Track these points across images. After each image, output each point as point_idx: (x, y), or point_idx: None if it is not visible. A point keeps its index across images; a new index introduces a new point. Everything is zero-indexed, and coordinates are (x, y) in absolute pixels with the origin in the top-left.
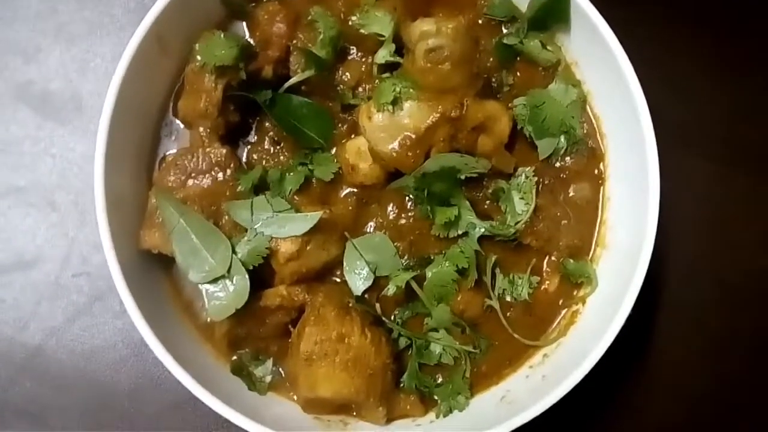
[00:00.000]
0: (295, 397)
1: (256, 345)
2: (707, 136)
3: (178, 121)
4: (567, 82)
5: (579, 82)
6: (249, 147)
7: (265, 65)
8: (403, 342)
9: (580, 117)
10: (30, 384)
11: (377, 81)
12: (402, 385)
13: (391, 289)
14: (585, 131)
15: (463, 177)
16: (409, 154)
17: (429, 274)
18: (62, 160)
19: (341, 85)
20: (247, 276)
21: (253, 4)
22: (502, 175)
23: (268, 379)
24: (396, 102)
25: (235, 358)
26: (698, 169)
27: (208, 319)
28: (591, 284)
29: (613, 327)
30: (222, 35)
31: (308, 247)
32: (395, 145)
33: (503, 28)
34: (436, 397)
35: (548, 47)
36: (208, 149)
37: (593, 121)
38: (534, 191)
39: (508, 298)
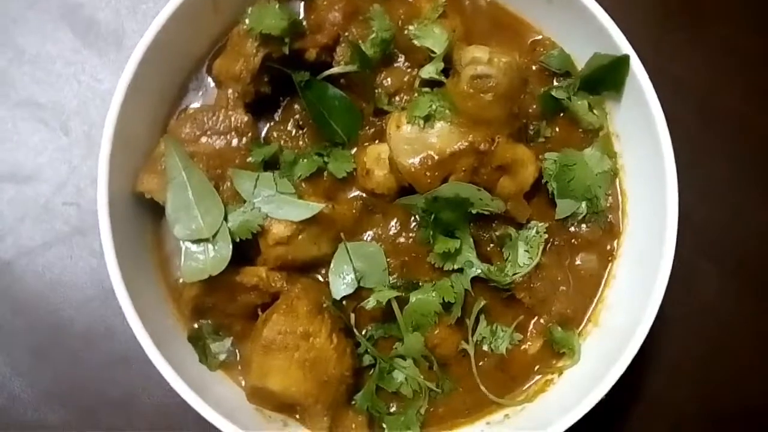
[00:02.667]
0: (243, 383)
1: (220, 320)
2: (728, 251)
3: (209, 79)
4: (604, 151)
5: (615, 154)
6: (271, 124)
7: (310, 47)
8: (367, 360)
9: (607, 189)
10: None
11: (416, 93)
12: (354, 403)
13: (371, 303)
14: (609, 204)
15: (473, 212)
16: (428, 173)
17: (413, 299)
18: (87, 89)
19: (379, 89)
20: (231, 246)
21: None
22: (512, 223)
23: (222, 357)
24: (429, 118)
25: (195, 326)
26: (709, 280)
27: (180, 280)
28: (572, 358)
29: (583, 406)
30: (277, 6)
31: (300, 236)
32: (416, 160)
33: (555, 81)
34: (384, 425)
35: (595, 111)
36: (230, 112)
37: (619, 196)
38: (541, 248)
39: (485, 348)
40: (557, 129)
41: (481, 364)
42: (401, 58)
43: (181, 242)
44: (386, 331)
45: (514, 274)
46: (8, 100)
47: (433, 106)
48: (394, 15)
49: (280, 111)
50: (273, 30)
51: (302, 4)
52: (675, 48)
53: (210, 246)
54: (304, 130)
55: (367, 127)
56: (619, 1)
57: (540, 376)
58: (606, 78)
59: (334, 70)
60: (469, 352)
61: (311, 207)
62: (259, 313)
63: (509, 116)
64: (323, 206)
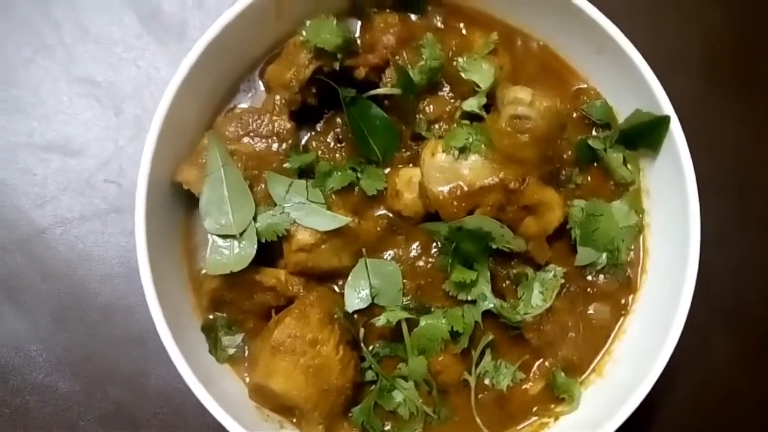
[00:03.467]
0: (247, 379)
1: (235, 315)
2: (744, 323)
3: (260, 83)
4: (632, 206)
5: (644, 211)
6: (312, 134)
7: (360, 66)
8: (369, 375)
9: (630, 244)
10: (21, 259)
11: (455, 124)
12: (350, 415)
13: (381, 321)
14: (629, 259)
15: (494, 247)
16: (455, 203)
17: (422, 323)
18: (144, 75)
19: (420, 115)
20: (256, 245)
21: (376, 10)
22: (531, 264)
23: (231, 351)
24: (464, 150)
25: (210, 317)
26: (721, 349)
27: (203, 271)
28: (571, 405)
29: None
30: (334, 22)
31: (323, 246)
32: (445, 188)
33: (593, 131)
34: None
35: (629, 165)
36: (275, 117)
37: (641, 253)
38: (556, 292)
39: (487, 381)
40: (589, 178)
41: (480, 396)
42: (446, 88)
43: (209, 235)
44: (392, 351)
45: (526, 314)
46: (68, 75)
47: (470, 139)
48: (447, 45)
49: (322, 122)
50: (327, 45)
51: (359, 23)
52: (719, 113)
53: (236, 243)
54: (342, 144)
55: (403, 150)
56: (668, 58)
57: (536, 417)
58: (644, 135)
59: (380, 90)
60: (470, 384)
61: (338, 219)
62: (273, 314)
63: (543, 159)
64: (349, 220)
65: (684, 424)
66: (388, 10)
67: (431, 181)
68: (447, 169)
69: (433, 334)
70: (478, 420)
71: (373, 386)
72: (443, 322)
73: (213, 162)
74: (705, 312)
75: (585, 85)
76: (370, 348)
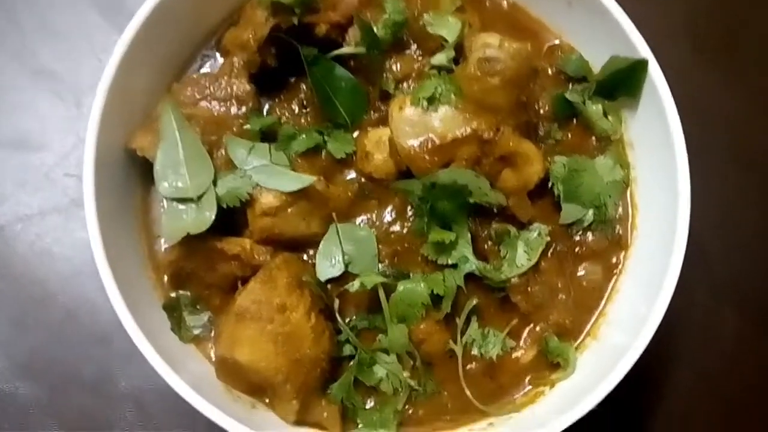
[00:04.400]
0: (213, 356)
1: (199, 291)
2: (738, 289)
3: (219, 55)
4: (616, 160)
5: (629, 165)
6: (275, 102)
7: (321, 23)
8: (347, 350)
9: (617, 199)
10: None
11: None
12: (329, 392)
13: (355, 285)
14: (618, 216)
15: (472, 201)
16: (427, 157)
17: (400, 287)
18: (101, 65)
19: (387, 74)
20: (215, 209)
21: None
22: (513, 222)
23: (197, 331)
24: (433, 101)
25: (173, 295)
26: (710, 309)
27: (163, 244)
28: (567, 370)
29: (566, 419)
30: None
31: (289, 210)
32: (416, 142)
33: (570, 87)
34: (358, 421)
35: (609, 117)
36: (233, 80)
37: (630, 209)
38: (541, 250)
39: (475, 351)
40: (569, 135)
41: (468, 368)
42: (413, 46)
43: (164, 201)
44: (370, 323)
45: (510, 275)
46: (28, 69)
47: (439, 89)
48: (411, 5)
49: (284, 91)
50: None
51: None
52: (707, 82)
53: (194, 206)
54: (307, 110)
55: (372, 112)
56: (653, 34)
57: (531, 387)
58: (623, 83)
59: (344, 50)
60: (456, 353)
61: (303, 179)
62: (239, 285)
63: (516, 105)
64: (315, 179)
65: (694, 401)
66: None
67: (401, 136)
68: (416, 122)
69: (412, 299)
70: (467, 392)
71: (352, 361)
72: (422, 286)
73: (167, 125)
74: (698, 278)
75: (558, 41)
76: (347, 321)
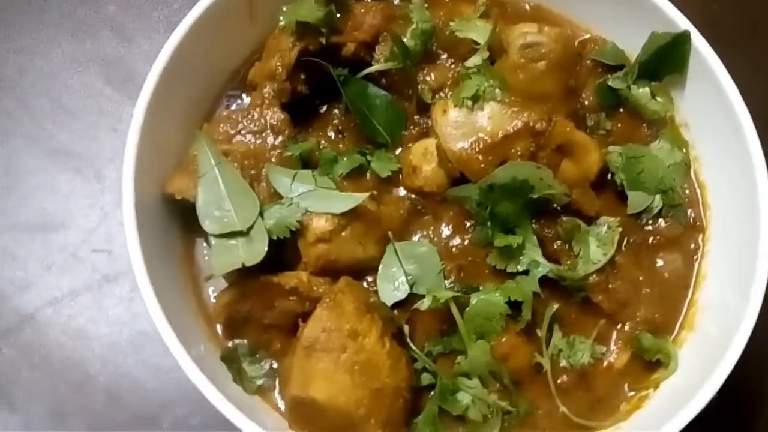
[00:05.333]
0: (282, 406)
1: (257, 336)
2: None
3: (245, 95)
4: (673, 142)
5: (687, 145)
6: (308, 131)
7: (348, 41)
8: (426, 379)
9: (682, 181)
10: (8, 352)
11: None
12: (413, 426)
13: (426, 303)
14: (686, 198)
15: (535, 196)
16: (480, 157)
17: (474, 301)
18: (123, 136)
19: (423, 85)
20: (266, 239)
21: (354, 1)
22: (580, 217)
23: (260, 381)
24: (477, 99)
25: (230, 345)
26: None
27: (211, 291)
28: (668, 367)
29: (678, 421)
30: (313, 0)
31: (343, 233)
32: (466, 144)
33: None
34: None
35: (658, 98)
36: (266, 110)
37: (697, 189)
38: (615, 243)
39: (563, 363)
40: (619, 124)
41: (559, 382)
42: (444, 56)
43: (211, 239)
44: (445, 346)
45: (589, 273)
46: (44, 151)
47: (482, 86)
48: (434, 16)
49: (317, 119)
50: (310, 18)
51: (338, 15)
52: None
53: (243, 240)
54: (344, 135)
55: (411, 127)
56: None
57: (633, 393)
58: (666, 60)
59: (375, 67)
60: (545, 367)
61: (354, 197)
62: (300, 323)
63: (565, 91)
64: (367, 195)
65: None
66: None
67: (449, 141)
68: (463, 123)
69: (489, 311)
70: (563, 409)
71: (433, 391)
72: (498, 295)
73: (205, 162)
74: None
75: (588, 35)
76: (420, 348)
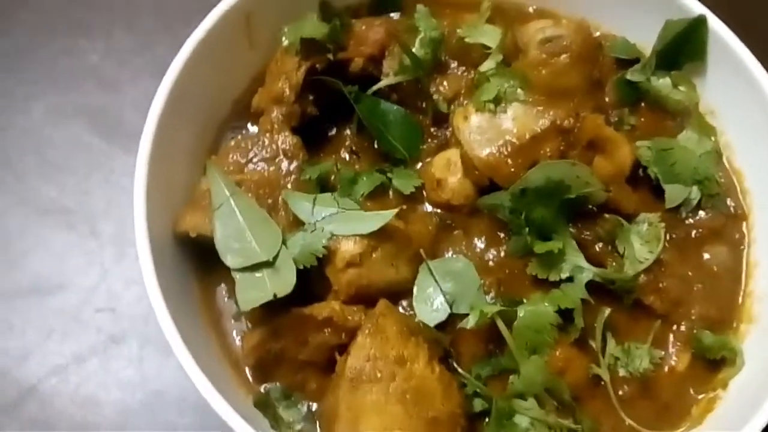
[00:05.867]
0: None
1: (291, 377)
2: None
3: (249, 124)
4: (701, 131)
5: (716, 132)
6: (321, 156)
7: (355, 57)
8: (479, 405)
9: (716, 170)
10: (11, 428)
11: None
12: None
13: (471, 320)
14: (724, 187)
15: (572, 196)
16: (509, 161)
17: (521, 314)
18: (116, 187)
19: (436, 95)
20: (294, 268)
21: (354, 21)
22: (619, 216)
23: (299, 427)
24: (499, 101)
25: (262, 390)
26: None
27: (234, 334)
28: (735, 364)
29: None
30: (315, 17)
31: (374, 255)
32: (493, 149)
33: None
34: None
35: (680, 87)
36: (276, 135)
37: (733, 176)
38: (661, 239)
39: (621, 372)
40: (642, 119)
41: (620, 394)
42: (454, 64)
43: (234, 275)
44: (494, 368)
45: (637, 273)
46: (34, 210)
47: (503, 87)
48: (440, 26)
49: (331, 138)
50: (315, 34)
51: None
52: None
53: (270, 271)
54: (359, 156)
55: (429, 140)
56: None
57: (702, 395)
58: (684, 47)
59: (385, 81)
60: (604, 379)
61: (382, 215)
62: (337, 357)
63: (590, 83)
64: (396, 210)
65: None
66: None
67: (474, 148)
68: (487, 128)
69: (539, 323)
70: (629, 421)
71: (487, 418)
72: (546, 305)
73: (219, 193)
74: None
75: (598, 33)
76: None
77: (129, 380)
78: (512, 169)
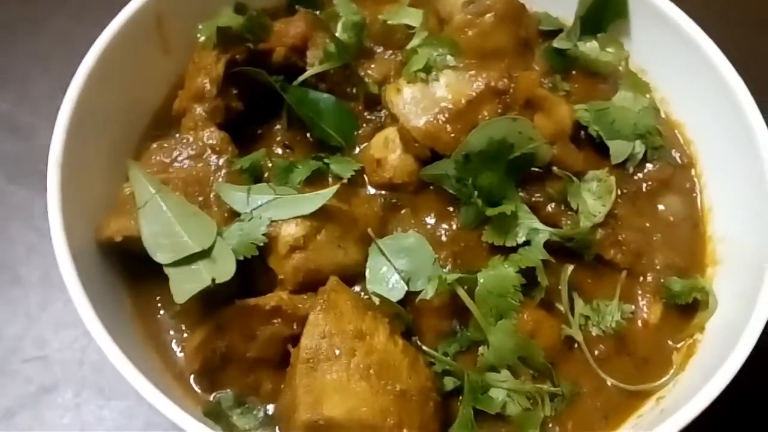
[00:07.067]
0: None
1: (242, 379)
2: None
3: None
4: (635, 89)
5: (649, 88)
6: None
7: (277, 47)
8: (450, 382)
9: (656, 124)
10: None
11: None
12: None
13: (429, 291)
14: (665, 140)
15: (517, 153)
16: (448, 127)
17: (482, 279)
18: (37, 233)
19: (367, 78)
20: (233, 257)
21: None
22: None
23: None
24: (430, 70)
25: (211, 399)
26: None
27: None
28: (708, 305)
29: (738, 352)
30: (230, 10)
31: (318, 237)
32: (430, 117)
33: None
34: None
35: (608, 48)
36: (201, 132)
37: (674, 129)
38: (612, 192)
39: (594, 332)
40: (576, 85)
41: (596, 353)
42: (380, 49)
43: (167, 271)
44: (461, 343)
45: (592, 225)
46: None
47: (432, 56)
48: (359, 12)
49: (259, 141)
50: (231, 23)
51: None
52: None
53: (206, 261)
54: (293, 150)
55: (364, 126)
56: None
57: (681, 343)
58: (606, 8)
59: (311, 71)
60: (577, 340)
61: (321, 194)
62: (290, 349)
63: (519, 44)
64: (336, 188)
65: None
66: None
67: (411, 119)
68: (421, 98)
69: (501, 286)
70: (610, 381)
71: (462, 395)
72: (506, 266)
73: (143, 192)
74: None
75: None
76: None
77: (66, 430)
78: (452, 135)
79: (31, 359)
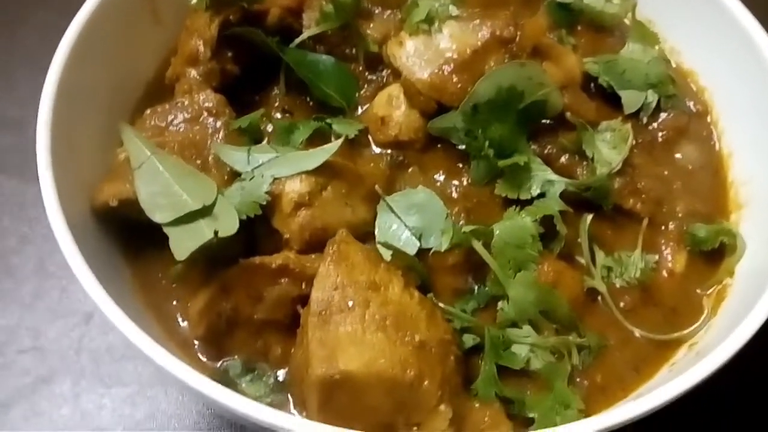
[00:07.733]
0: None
1: (251, 344)
2: None
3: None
4: (643, 41)
5: (658, 39)
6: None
7: (271, 8)
8: (469, 340)
9: (668, 73)
10: None
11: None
12: (474, 393)
13: (444, 243)
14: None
15: (528, 101)
16: (454, 78)
17: (498, 231)
18: (27, 222)
19: (366, 38)
20: (236, 213)
21: None
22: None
23: (269, 400)
24: (433, 21)
25: (218, 366)
26: None
27: (180, 319)
28: (736, 249)
29: None
30: None
31: (324, 194)
32: (435, 68)
33: None
34: (529, 414)
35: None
36: (196, 96)
37: (686, 78)
38: (628, 140)
39: (618, 283)
40: (582, 39)
41: (622, 305)
42: (378, 10)
43: (166, 230)
44: (479, 300)
45: (609, 172)
46: None
47: (434, 7)
48: None
49: (258, 106)
50: None
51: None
52: None
53: (207, 219)
54: (292, 114)
55: (365, 86)
56: None
57: (711, 289)
58: None
59: (309, 32)
60: (600, 290)
61: (325, 149)
62: (300, 310)
63: None
64: (341, 141)
65: None
66: None
67: (415, 72)
68: (425, 50)
69: (518, 236)
70: (638, 332)
71: (483, 351)
72: (523, 216)
73: (138, 154)
74: None
75: None
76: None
77: (65, 421)
78: (459, 85)
79: (27, 350)
